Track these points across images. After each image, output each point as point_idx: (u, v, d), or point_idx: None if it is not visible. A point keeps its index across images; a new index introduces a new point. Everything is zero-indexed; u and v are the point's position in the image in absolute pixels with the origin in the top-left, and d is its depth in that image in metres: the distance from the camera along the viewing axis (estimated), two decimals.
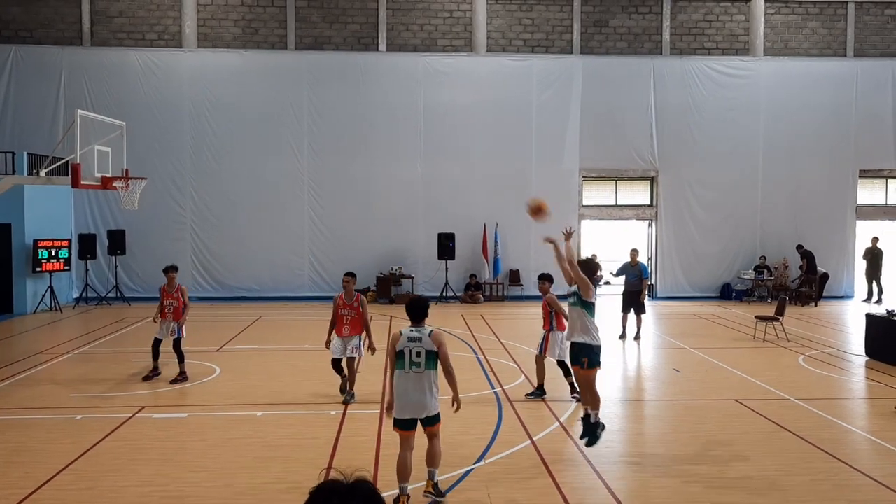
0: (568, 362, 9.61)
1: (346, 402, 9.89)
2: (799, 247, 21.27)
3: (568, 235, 8.07)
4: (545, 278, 10.65)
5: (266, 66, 21.19)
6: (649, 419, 9.85)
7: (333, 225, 21.36)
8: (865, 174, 22.59)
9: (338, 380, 10.21)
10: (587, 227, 22.41)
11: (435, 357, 6.51)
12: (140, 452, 8.06)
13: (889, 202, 23.12)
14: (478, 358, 13.16)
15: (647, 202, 22.49)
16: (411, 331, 6.58)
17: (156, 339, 11.37)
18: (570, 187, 21.79)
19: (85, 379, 11.52)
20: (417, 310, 6.66)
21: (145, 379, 11.28)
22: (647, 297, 16.24)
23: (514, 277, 21.71)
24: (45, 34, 20.93)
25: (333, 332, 10.04)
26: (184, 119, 20.98)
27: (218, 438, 8.54)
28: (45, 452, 8.01)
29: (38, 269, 18.43)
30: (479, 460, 7.74)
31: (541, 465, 7.61)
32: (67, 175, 12.79)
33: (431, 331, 6.58)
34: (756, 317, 15.68)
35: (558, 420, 9.31)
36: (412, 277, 21.25)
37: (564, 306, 9.23)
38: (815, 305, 20.59)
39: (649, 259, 21.92)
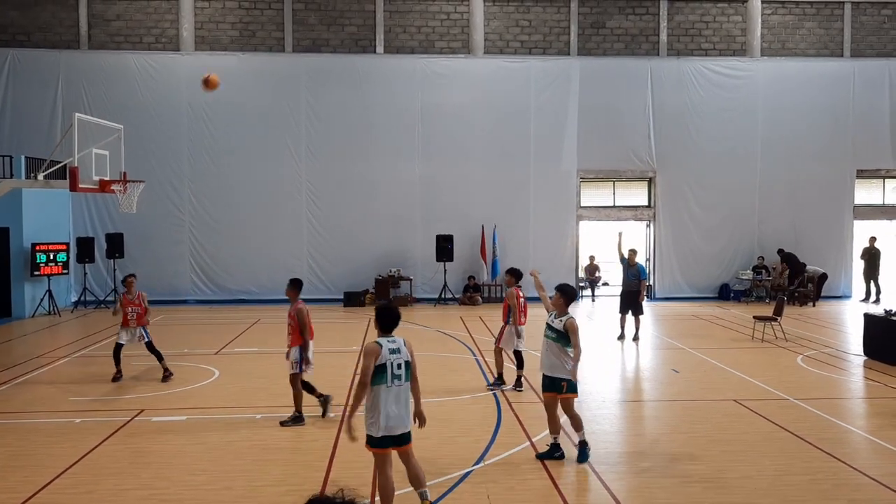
0: (522, 353, 10.86)
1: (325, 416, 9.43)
2: (780, 251, 21.36)
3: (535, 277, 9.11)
4: (511, 272, 10.97)
5: (263, 69, 21.20)
6: (648, 419, 9.85)
7: (332, 227, 21.36)
8: (863, 174, 22.62)
9: (333, 389, 9.94)
10: (585, 228, 22.41)
11: (409, 367, 6.07)
12: (139, 456, 8.06)
13: (886, 202, 23.16)
14: (476, 359, 13.18)
15: (645, 203, 22.51)
16: (389, 341, 6.01)
17: (118, 344, 11.62)
18: (568, 188, 21.81)
19: (84, 382, 11.51)
20: (391, 319, 6.10)
21: (114, 380, 11.46)
22: (645, 297, 16.24)
23: None
24: (42, 38, 20.93)
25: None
26: (182, 122, 20.97)
27: (217, 441, 8.54)
28: (45, 456, 8.00)
29: (36, 273, 18.43)
30: (478, 461, 7.76)
31: (540, 466, 7.62)
32: (65, 178, 12.83)
33: (404, 339, 6.13)
34: (754, 317, 15.70)
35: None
36: (411, 279, 21.25)
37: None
38: (814, 305, 20.61)
39: (647, 260, 21.91)
